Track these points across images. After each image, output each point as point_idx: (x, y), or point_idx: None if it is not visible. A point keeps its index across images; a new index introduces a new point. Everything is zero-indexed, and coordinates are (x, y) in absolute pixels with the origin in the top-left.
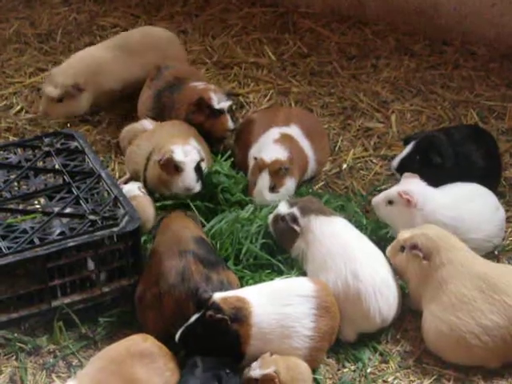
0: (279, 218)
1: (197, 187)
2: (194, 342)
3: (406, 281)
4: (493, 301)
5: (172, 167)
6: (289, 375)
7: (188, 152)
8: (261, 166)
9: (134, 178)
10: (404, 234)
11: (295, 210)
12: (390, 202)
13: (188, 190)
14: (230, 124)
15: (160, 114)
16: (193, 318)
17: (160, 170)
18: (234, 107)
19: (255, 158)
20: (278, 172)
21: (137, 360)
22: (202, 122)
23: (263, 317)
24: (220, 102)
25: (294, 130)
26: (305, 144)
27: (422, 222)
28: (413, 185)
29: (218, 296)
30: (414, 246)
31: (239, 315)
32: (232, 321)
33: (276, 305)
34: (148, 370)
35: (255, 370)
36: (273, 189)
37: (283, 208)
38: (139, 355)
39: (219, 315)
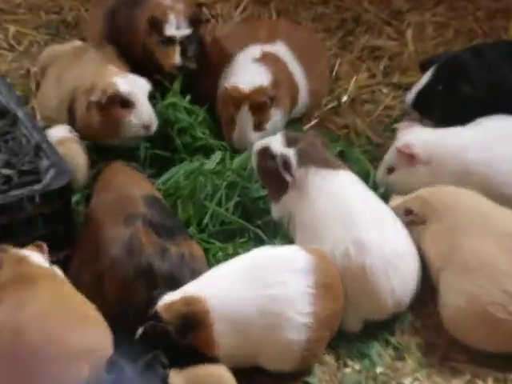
0: (269, 154)
1: (155, 123)
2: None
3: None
4: None
5: (118, 105)
6: None
7: (134, 81)
8: (237, 99)
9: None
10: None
11: (292, 154)
12: (391, 170)
13: (147, 127)
14: (177, 59)
15: (112, 40)
16: (140, 330)
17: (101, 113)
18: (194, 39)
19: (226, 88)
20: (261, 106)
21: None
22: (153, 49)
23: (231, 307)
24: (177, 28)
25: (280, 49)
26: (295, 68)
27: (433, 179)
28: (412, 134)
29: (161, 303)
30: (408, 212)
31: (191, 322)
32: (180, 332)
33: (256, 286)
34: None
35: None
36: (258, 126)
37: (276, 143)
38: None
39: (161, 326)
